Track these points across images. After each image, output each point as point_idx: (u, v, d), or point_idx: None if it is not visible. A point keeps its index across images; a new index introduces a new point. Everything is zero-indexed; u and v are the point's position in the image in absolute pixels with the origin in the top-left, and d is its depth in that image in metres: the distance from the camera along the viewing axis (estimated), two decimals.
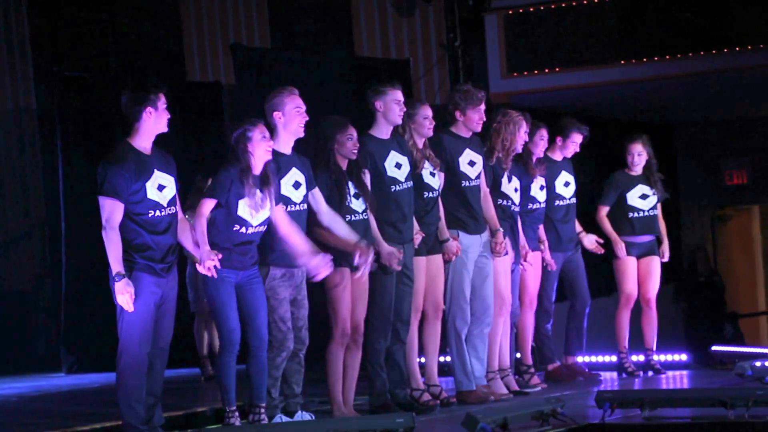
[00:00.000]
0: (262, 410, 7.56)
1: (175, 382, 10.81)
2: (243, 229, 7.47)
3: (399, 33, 14.53)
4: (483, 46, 13.88)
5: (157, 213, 7.08)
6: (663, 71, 13.45)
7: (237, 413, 7.52)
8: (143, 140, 7.15)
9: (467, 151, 8.89)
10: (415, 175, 8.54)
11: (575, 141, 10.25)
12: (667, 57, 13.35)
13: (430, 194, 8.66)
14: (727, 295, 16.70)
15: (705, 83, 13.94)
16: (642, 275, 10.48)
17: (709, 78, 13.60)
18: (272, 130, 7.76)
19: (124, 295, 6.93)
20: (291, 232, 7.61)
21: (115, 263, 6.94)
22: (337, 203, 8.00)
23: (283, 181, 7.74)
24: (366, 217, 8.16)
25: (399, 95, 8.39)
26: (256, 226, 7.50)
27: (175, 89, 13.83)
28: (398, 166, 8.41)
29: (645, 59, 13.42)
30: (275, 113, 7.83)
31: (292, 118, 7.84)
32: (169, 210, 7.13)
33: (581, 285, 10.33)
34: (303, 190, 7.84)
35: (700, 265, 16.41)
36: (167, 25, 15.25)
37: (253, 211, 7.47)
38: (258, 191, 7.47)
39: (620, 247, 10.35)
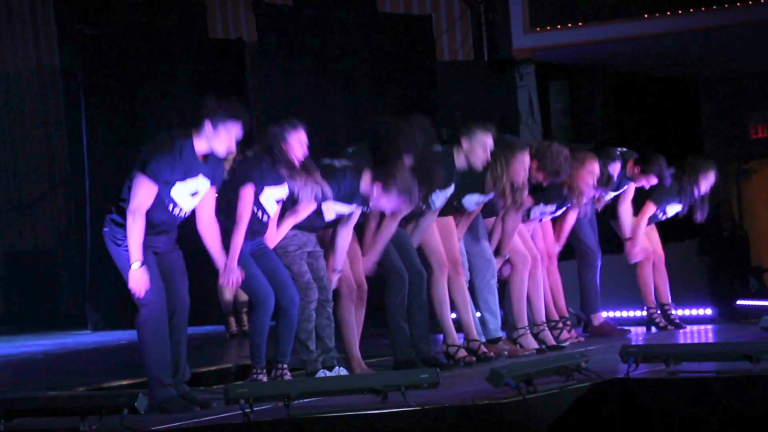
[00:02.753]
0: (285, 367, 7.59)
1: (201, 339, 10.88)
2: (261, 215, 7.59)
3: None
4: (505, 0, 13.79)
5: (178, 212, 7.05)
6: (687, 24, 13.35)
7: (265, 371, 7.55)
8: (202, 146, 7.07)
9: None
10: None
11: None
12: (691, 10, 13.24)
13: None
14: (752, 249, 16.63)
15: (730, 36, 13.83)
16: (647, 232, 10.49)
17: (734, 31, 13.49)
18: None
19: (139, 283, 6.93)
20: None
21: (137, 251, 6.89)
22: None
23: None
24: None
25: (490, 141, 8.50)
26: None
27: (197, 46, 13.94)
28: None
29: (669, 12, 13.31)
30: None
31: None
32: (186, 214, 7.12)
33: (593, 237, 10.31)
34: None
35: (724, 219, 16.34)
36: None
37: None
38: None
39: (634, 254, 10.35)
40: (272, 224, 7.71)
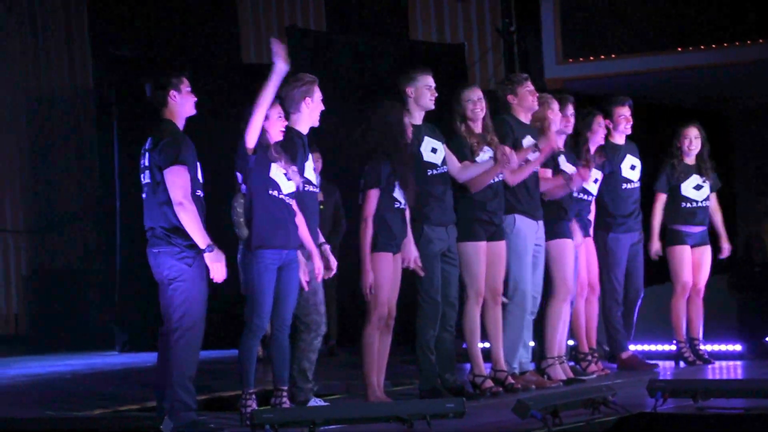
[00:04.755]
0: (284, 393, 7.55)
1: (227, 362, 10.86)
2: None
3: (454, 17, 14.49)
4: (538, 31, 13.81)
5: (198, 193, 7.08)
6: (720, 58, 13.33)
7: (254, 396, 7.48)
8: (178, 124, 7.16)
9: (529, 137, 8.94)
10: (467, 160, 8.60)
11: (623, 114, 10.13)
12: (725, 44, 13.22)
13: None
14: None
15: (763, 70, 13.80)
16: (694, 265, 10.41)
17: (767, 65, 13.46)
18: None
19: (220, 264, 6.94)
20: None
21: (202, 236, 6.91)
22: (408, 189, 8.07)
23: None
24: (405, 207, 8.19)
25: (430, 80, 8.41)
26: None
27: (229, 71, 13.98)
28: (434, 150, 8.44)
29: (702, 46, 13.30)
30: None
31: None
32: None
33: (638, 275, 10.26)
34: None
35: (755, 254, 16.25)
36: (223, 6, 15.29)
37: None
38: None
39: (655, 249, 10.29)
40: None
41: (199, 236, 6.92)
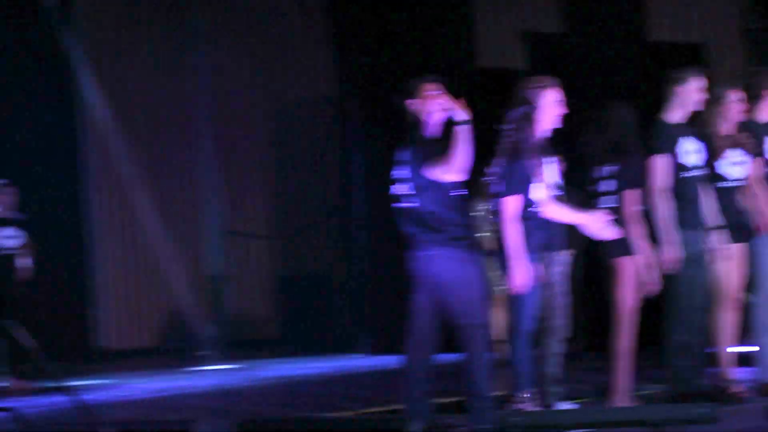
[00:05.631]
0: (527, 397, 7.52)
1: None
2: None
3: (693, 15, 14.22)
4: None
5: None
6: None
7: (530, 398, 7.53)
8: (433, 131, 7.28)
9: None
10: (712, 163, 8.45)
11: None
12: None
13: (725, 184, 8.52)
14: None
15: None
16: None
17: None
18: None
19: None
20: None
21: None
22: None
23: None
24: None
25: (700, 83, 8.31)
26: None
27: (465, 76, 14.07)
28: (690, 152, 8.32)
29: None
30: None
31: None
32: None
33: None
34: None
35: None
36: (459, 11, 15.37)
37: None
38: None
39: None
40: None
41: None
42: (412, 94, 7.30)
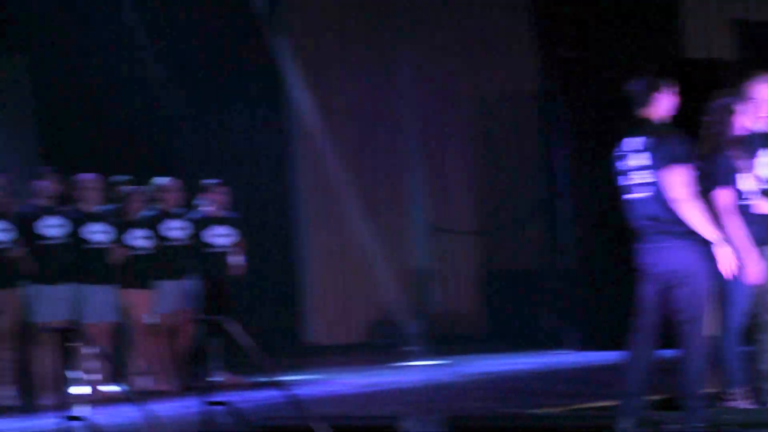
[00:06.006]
0: (739, 394, 7.34)
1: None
2: None
3: None
4: None
5: None
6: None
7: (742, 395, 7.37)
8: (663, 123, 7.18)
9: None
10: None
11: None
12: None
13: None
14: None
15: None
16: None
17: None
18: None
19: (729, 257, 6.96)
20: None
21: (710, 230, 6.93)
22: None
23: None
24: None
25: None
26: None
27: (669, 66, 13.82)
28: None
29: None
30: None
31: None
32: None
33: None
34: None
35: None
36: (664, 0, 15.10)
37: None
38: None
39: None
40: None
41: (707, 231, 6.95)
42: (648, 87, 7.19)
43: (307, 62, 15.00)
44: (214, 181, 11.72)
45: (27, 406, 10.32)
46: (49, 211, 10.70)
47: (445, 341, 14.43)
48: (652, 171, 7.04)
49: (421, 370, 12.41)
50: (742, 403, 7.36)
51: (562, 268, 13.93)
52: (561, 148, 13.66)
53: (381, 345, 14.74)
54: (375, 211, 15.08)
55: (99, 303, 10.84)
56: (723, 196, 7.31)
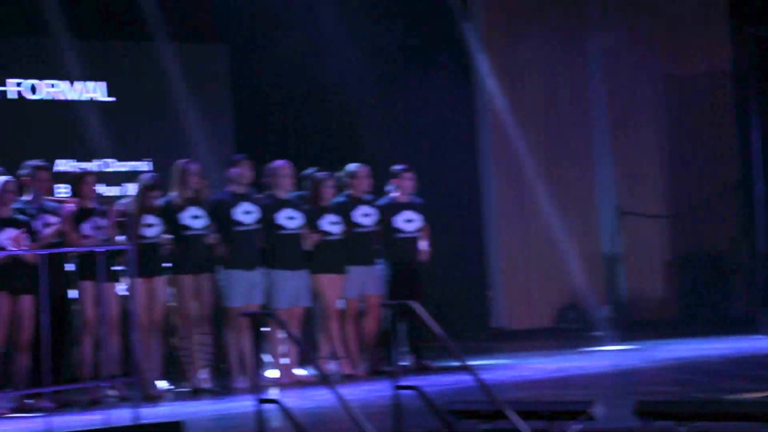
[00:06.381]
0: None
1: None
2: None
3: None
4: None
5: None
6: None
7: None
8: None
9: None
10: None
11: None
12: None
13: None
14: None
15: None
16: None
17: None
18: None
19: None
20: None
21: None
22: None
23: None
24: None
25: None
26: None
27: None
28: None
29: None
30: None
31: None
32: None
33: None
34: None
35: None
36: None
37: None
38: None
39: None
40: None
41: None
42: None
43: (497, 49, 14.99)
44: (403, 166, 11.82)
45: (221, 389, 10.60)
46: (243, 198, 10.94)
47: (635, 326, 14.29)
48: None
49: (610, 355, 12.31)
50: None
51: (756, 251, 13.64)
52: (755, 127, 13.38)
53: (570, 330, 14.67)
54: (563, 194, 15.00)
55: (291, 288, 11.05)
56: None
